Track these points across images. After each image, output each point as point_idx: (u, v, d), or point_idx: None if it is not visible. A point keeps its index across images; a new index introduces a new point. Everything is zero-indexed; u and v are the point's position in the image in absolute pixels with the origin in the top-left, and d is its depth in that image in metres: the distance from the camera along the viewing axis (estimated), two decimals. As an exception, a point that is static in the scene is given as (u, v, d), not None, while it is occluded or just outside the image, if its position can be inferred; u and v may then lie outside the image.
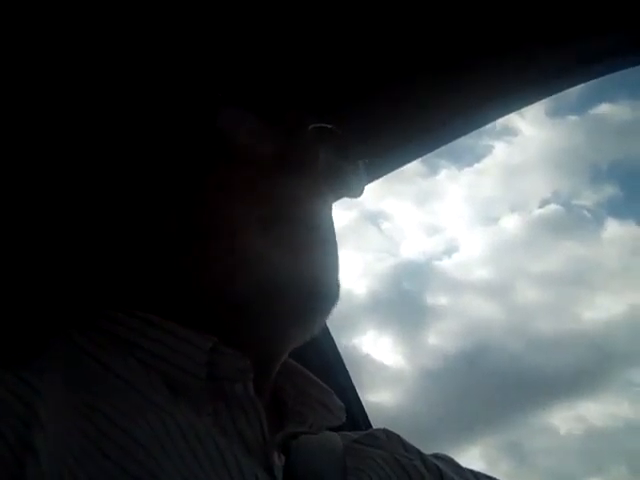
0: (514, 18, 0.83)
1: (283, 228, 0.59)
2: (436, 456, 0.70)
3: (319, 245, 0.61)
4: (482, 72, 0.90)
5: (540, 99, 0.97)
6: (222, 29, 0.74)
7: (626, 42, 0.87)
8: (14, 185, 0.73)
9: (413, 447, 0.69)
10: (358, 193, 0.71)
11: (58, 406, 0.49)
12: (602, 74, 0.91)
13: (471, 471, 0.71)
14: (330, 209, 0.66)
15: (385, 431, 0.71)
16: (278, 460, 0.57)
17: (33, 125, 0.72)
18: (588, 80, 0.93)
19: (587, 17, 0.84)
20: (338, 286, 0.63)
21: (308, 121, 0.65)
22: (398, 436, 0.70)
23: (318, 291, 0.60)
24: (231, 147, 0.62)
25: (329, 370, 1.10)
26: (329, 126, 0.67)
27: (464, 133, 1.00)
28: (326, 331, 1.13)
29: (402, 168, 1.05)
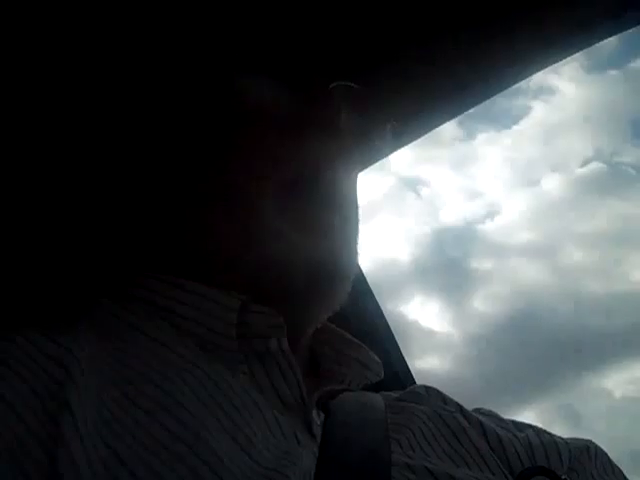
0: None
1: (298, 203, 0.59)
2: (477, 410, 0.71)
3: (334, 222, 0.60)
4: (514, 25, 0.87)
5: (577, 51, 0.94)
6: None
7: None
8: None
9: (453, 401, 0.70)
10: (383, 155, 0.70)
11: (91, 365, 0.50)
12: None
13: (513, 421, 0.71)
14: (353, 172, 0.65)
15: (426, 387, 0.71)
16: (317, 418, 0.57)
17: (41, 103, 0.72)
18: (624, 30, 0.90)
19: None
20: (353, 263, 0.62)
21: (330, 81, 0.64)
22: (438, 391, 0.71)
23: (328, 272, 0.59)
24: (248, 111, 0.61)
25: (374, 334, 1.10)
26: (351, 84, 0.66)
27: (499, 90, 0.98)
28: (371, 295, 1.13)
29: (438, 131, 1.03)
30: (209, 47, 0.64)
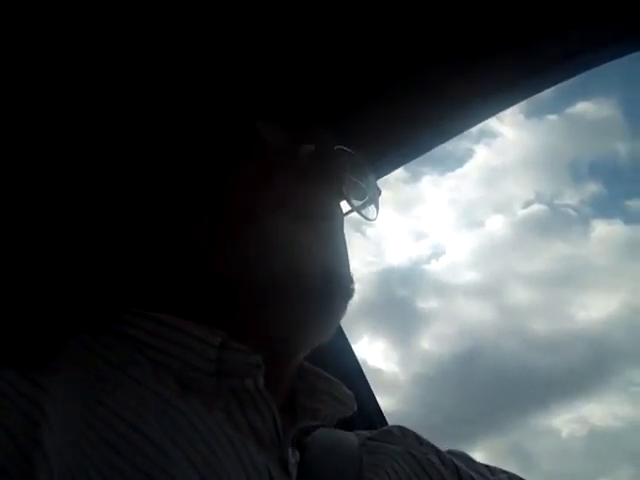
0: (489, 20, 0.83)
1: (307, 221, 0.62)
2: (450, 452, 0.71)
3: (338, 242, 0.65)
4: (460, 77, 0.89)
5: (521, 100, 0.96)
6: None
7: (601, 38, 0.86)
8: (25, 190, 0.74)
9: (429, 443, 0.70)
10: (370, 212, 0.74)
11: (67, 404, 0.49)
12: (580, 71, 0.91)
13: (486, 466, 0.72)
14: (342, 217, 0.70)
15: (400, 428, 0.72)
16: (292, 456, 0.57)
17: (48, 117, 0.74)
18: (567, 78, 0.92)
19: (561, 14, 0.83)
20: (353, 283, 0.65)
21: (331, 138, 0.69)
22: (414, 432, 0.71)
23: (338, 279, 0.62)
24: (264, 150, 0.65)
25: (347, 376, 1.10)
26: (349, 150, 0.71)
27: (445, 139, 0.99)
28: (344, 338, 1.13)
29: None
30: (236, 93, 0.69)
